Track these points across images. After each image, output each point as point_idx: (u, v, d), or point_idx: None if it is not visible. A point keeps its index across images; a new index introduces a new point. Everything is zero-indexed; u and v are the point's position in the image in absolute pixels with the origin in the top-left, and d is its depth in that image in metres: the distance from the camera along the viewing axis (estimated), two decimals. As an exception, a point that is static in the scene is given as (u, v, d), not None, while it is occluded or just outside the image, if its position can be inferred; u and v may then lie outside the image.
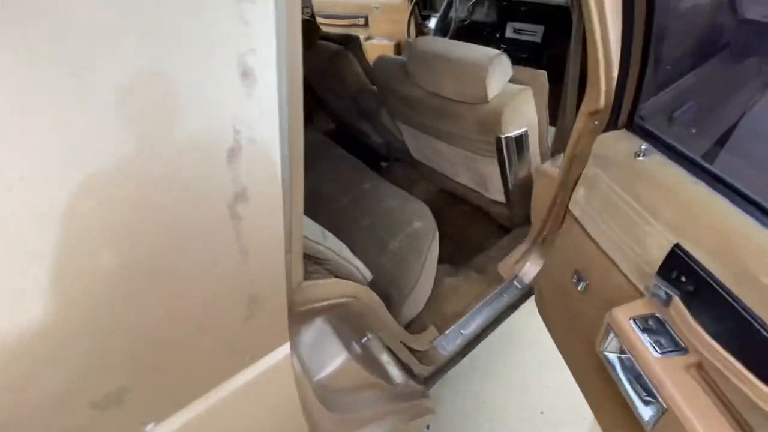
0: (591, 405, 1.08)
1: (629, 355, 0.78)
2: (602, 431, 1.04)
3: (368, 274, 0.93)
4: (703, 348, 0.64)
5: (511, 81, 1.13)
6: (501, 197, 1.51)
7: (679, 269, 0.71)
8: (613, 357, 0.86)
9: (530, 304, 1.54)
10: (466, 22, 2.34)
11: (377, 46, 2.87)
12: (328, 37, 1.84)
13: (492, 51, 1.07)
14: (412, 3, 2.40)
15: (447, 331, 1.29)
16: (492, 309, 1.39)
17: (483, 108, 1.13)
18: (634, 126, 0.90)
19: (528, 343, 1.75)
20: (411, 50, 1.28)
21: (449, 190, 2.01)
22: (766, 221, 0.61)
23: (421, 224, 1.28)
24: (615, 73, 0.93)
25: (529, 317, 1.75)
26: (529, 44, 2.08)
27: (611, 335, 0.82)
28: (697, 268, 0.67)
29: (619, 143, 0.88)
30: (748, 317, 0.59)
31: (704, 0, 1.26)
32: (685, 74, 1.08)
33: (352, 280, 0.87)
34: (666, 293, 0.72)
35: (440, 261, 1.57)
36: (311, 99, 2.41)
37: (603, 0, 0.88)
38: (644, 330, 0.75)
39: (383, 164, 2.31)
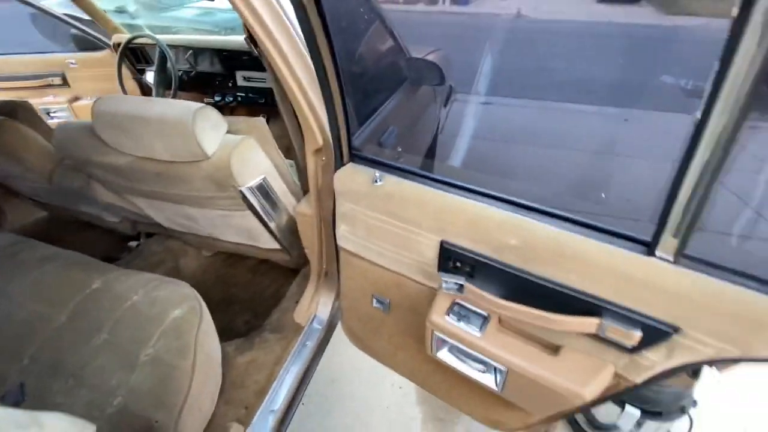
0: (445, 399, 1.16)
1: (459, 345, 0.88)
2: (465, 413, 1.13)
3: None
4: (497, 308, 0.78)
5: (231, 132, 1.06)
6: (275, 244, 1.43)
7: (453, 259, 0.83)
8: (447, 354, 0.96)
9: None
10: (192, 74, 2.20)
11: (89, 106, 2.35)
12: None
13: (193, 104, 0.97)
14: (119, 55, 2.07)
15: (253, 420, 1.09)
16: (299, 365, 1.29)
17: (208, 164, 1.02)
18: (356, 158, 0.98)
19: (350, 370, 1.72)
20: (95, 113, 1.04)
21: (224, 251, 1.80)
22: (499, 204, 0.77)
23: (180, 311, 1.04)
24: (322, 116, 0.99)
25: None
26: (263, 89, 2.11)
27: (437, 337, 0.91)
28: (464, 253, 0.80)
29: (355, 176, 0.94)
30: (513, 272, 0.74)
31: (381, 46, 1.54)
32: (381, 106, 1.27)
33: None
34: (454, 283, 0.83)
35: (234, 334, 1.36)
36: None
37: (290, 63, 0.93)
38: (459, 319, 0.86)
39: (133, 244, 1.88)
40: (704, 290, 0.59)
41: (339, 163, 0.98)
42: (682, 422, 1.30)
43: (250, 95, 2.15)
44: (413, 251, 0.91)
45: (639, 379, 0.70)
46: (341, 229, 1.04)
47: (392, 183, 0.89)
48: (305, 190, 1.28)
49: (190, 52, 2.14)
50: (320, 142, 1.03)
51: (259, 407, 1.13)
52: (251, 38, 0.97)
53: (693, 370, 0.66)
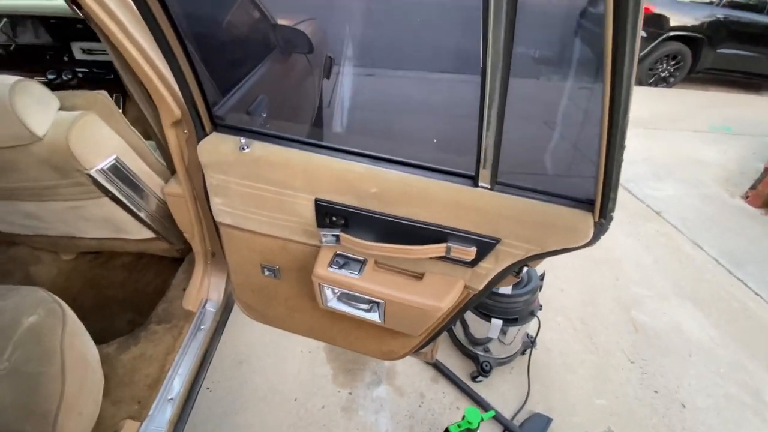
0: (344, 345, 1.28)
1: (345, 291, 0.98)
2: (363, 353, 1.26)
3: None
4: (369, 251, 0.88)
5: (65, 109, 0.94)
6: (146, 233, 1.32)
7: (328, 214, 0.90)
8: (336, 302, 1.05)
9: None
10: (11, 48, 1.80)
11: None
12: None
13: (7, 77, 0.83)
14: None
15: (149, 412, 1.05)
16: (194, 350, 1.25)
17: (40, 147, 0.89)
18: (219, 128, 0.96)
19: (257, 347, 1.73)
20: None
21: (88, 250, 1.60)
22: (360, 159, 0.85)
23: (36, 318, 0.93)
24: (174, 84, 0.94)
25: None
26: (110, 63, 1.84)
27: (324, 288, 1.00)
28: (336, 207, 0.88)
29: (220, 146, 0.92)
30: (378, 216, 0.85)
31: (240, 12, 1.48)
32: (247, 75, 1.24)
33: None
34: (332, 235, 0.92)
35: (118, 335, 1.25)
36: None
37: (126, 28, 0.85)
38: (340, 268, 0.95)
39: (-40, 260, 1.54)
40: (512, 207, 0.77)
41: (201, 134, 0.95)
42: (533, 324, 1.64)
43: (95, 70, 1.85)
44: (291, 213, 0.96)
45: (480, 285, 0.88)
46: (216, 203, 1.02)
47: (259, 148, 0.90)
48: (172, 170, 1.21)
49: (4, 20, 1.74)
50: (177, 113, 0.98)
51: (154, 399, 1.08)
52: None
53: (515, 270, 0.85)
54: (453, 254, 0.83)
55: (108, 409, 1.03)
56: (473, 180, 0.79)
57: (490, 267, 0.85)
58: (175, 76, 0.84)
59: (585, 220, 0.73)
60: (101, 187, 1.02)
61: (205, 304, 1.37)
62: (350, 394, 1.60)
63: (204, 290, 1.39)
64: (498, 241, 0.80)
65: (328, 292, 1.02)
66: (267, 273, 1.15)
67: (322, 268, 0.95)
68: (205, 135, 0.95)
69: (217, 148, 0.92)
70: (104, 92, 1.00)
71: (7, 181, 0.97)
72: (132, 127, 1.08)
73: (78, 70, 1.86)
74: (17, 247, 1.53)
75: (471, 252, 0.82)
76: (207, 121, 0.94)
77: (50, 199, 1.05)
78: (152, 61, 0.91)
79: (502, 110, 0.66)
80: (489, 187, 0.78)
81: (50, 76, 1.82)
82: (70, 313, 1.00)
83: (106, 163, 0.98)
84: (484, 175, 0.76)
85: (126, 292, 1.58)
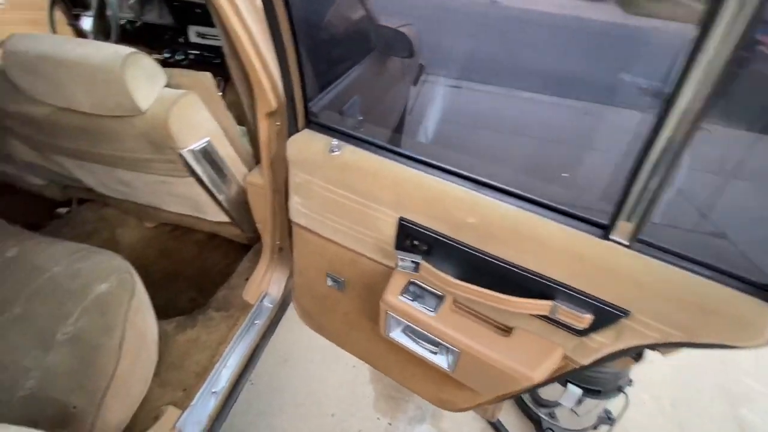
0: (397, 379, 1.15)
1: (413, 326, 0.84)
2: (417, 393, 1.12)
3: None
4: (452, 288, 0.75)
5: (171, 86, 0.94)
6: (224, 217, 1.32)
7: (411, 237, 0.80)
8: (400, 335, 0.93)
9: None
10: (136, 24, 1.96)
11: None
12: None
13: (124, 48, 0.84)
14: (50, -3, 1.81)
15: (192, 402, 1.02)
16: (246, 344, 1.22)
17: (142, 121, 0.90)
18: (312, 125, 0.90)
19: (303, 350, 1.68)
20: (6, 53, 0.88)
21: (168, 222, 1.67)
22: (459, 181, 0.73)
23: (107, 286, 0.93)
24: (276, 75, 0.90)
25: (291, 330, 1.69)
26: (219, 48, 1.93)
27: (391, 317, 0.88)
28: (422, 231, 0.76)
29: (310, 144, 0.86)
30: (471, 251, 0.72)
31: (348, 9, 1.44)
32: (345, 73, 1.18)
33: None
34: (411, 261, 0.80)
35: (177, 313, 1.26)
36: None
37: (240, 10, 0.83)
38: (414, 299, 0.83)
39: (62, 211, 1.69)
40: (656, 275, 0.59)
41: (293, 129, 0.90)
42: (618, 399, 1.38)
43: (205, 54, 1.96)
44: (371, 228, 0.86)
45: (586, 361, 0.71)
46: (294, 202, 0.97)
47: (350, 153, 0.82)
48: (258, 159, 1.18)
49: (135, -2, 1.90)
50: (274, 104, 0.94)
51: (199, 389, 1.05)
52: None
53: (637, 353, 0.67)
54: (559, 316, 0.67)
55: (154, 391, 1.01)
56: (604, 230, 0.62)
57: (604, 342, 0.67)
58: (280, 66, 0.79)
59: (761, 314, 0.54)
60: (189, 167, 1.01)
61: (263, 299, 1.34)
62: (390, 425, 1.47)
63: (265, 283, 1.36)
64: (626, 313, 0.62)
65: (394, 322, 0.91)
66: (331, 283, 1.08)
67: (393, 296, 0.84)
68: (297, 130, 0.90)
69: (307, 145, 0.86)
70: (209, 74, 1.00)
71: (110, 148, 1.00)
72: (228, 112, 1.07)
73: (190, 52, 1.97)
74: (108, 209, 1.63)
75: (585, 319, 0.65)
76: (302, 116, 0.89)
77: (144, 171, 1.08)
78: (260, 50, 0.88)
79: (679, 156, 0.50)
80: (627, 243, 0.61)
81: (166, 55, 1.95)
82: (140, 287, 1.01)
83: (198, 144, 0.97)
84: (624, 228, 0.60)
85: (193, 269, 1.61)
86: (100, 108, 0.89)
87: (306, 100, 0.87)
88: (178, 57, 1.92)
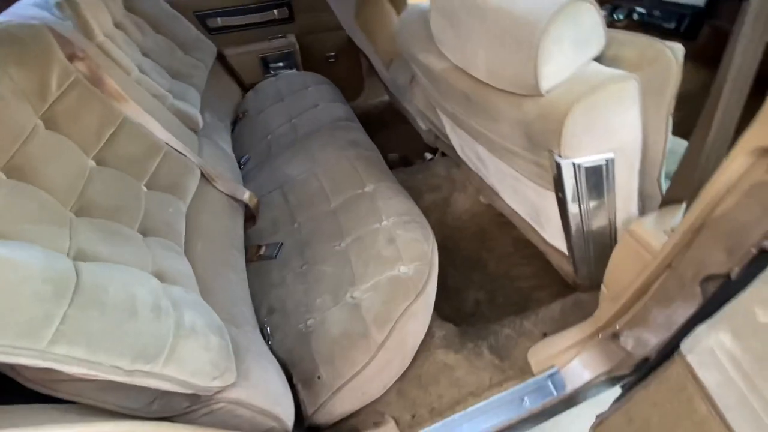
0: None
1: None
2: None
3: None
4: None
5: (604, 58, 0.57)
6: (561, 244, 0.96)
7: None
8: None
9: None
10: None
11: None
12: None
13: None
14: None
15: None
16: (498, 417, 0.90)
17: (532, 105, 0.60)
18: None
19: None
20: (431, -2, 0.77)
21: (500, 211, 1.47)
22: None
23: (407, 270, 0.83)
24: None
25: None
26: (684, 9, 1.32)
27: None
28: None
29: None
30: None
31: None
32: None
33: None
34: None
35: (456, 311, 1.10)
36: (365, 61, 1.98)
37: None
38: None
39: (428, 156, 1.82)
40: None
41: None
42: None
43: (655, 13, 1.40)
44: None
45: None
46: (716, 332, 0.46)
47: None
48: (674, 199, 0.68)
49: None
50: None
51: (424, 428, 0.87)
52: None
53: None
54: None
55: (388, 395, 0.90)
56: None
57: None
58: None
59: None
60: (558, 180, 0.67)
61: (551, 375, 0.95)
62: None
63: (563, 359, 0.94)
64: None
65: None
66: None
67: None
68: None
69: None
70: (679, 47, 0.55)
71: (481, 124, 0.80)
72: (669, 118, 0.60)
73: (637, 9, 1.46)
74: (458, 171, 1.60)
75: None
76: None
77: (503, 159, 0.84)
78: None
79: None
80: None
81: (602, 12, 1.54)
82: (431, 286, 0.86)
83: (592, 160, 0.59)
84: None
85: (497, 267, 1.39)
86: (494, 77, 0.66)
87: None
88: (617, 16, 1.47)
